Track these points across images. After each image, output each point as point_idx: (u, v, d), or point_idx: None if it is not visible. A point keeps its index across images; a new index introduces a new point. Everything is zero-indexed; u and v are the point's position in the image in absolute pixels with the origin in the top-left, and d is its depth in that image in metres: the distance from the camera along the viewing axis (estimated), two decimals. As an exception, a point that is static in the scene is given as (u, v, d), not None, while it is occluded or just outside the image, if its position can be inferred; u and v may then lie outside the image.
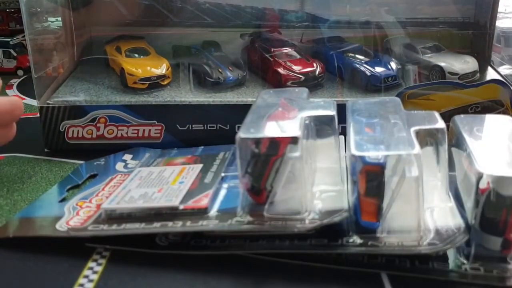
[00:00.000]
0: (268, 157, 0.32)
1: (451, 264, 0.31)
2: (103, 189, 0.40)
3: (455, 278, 0.30)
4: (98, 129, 0.50)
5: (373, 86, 0.53)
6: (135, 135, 0.50)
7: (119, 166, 0.45)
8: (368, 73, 0.54)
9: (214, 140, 0.48)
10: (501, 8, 0.65)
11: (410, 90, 0.49)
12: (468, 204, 0.31)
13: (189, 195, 0.36)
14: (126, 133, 0.50)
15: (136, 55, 0.56)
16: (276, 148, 0.32)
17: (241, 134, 0.32)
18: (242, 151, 0.32)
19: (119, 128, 0.50)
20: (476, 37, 0.61)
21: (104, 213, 0.35)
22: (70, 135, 0.50)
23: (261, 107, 0.37)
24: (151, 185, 0.38)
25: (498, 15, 0.59)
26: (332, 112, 0.37)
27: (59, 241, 0.34)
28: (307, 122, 0.35)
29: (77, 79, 0.56)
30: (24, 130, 0.50)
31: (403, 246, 0.30)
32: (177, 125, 0.50)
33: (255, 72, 0.57)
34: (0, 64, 0.76)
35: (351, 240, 0.32)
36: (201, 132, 0.50)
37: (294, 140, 0.32)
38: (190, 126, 0.50)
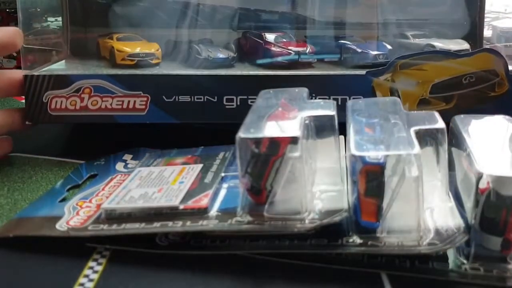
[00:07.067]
0: (268, 157, 0.32)
1: (451, 264, 0.31)
2: (103, 189, 0.40)
3: (455, 278, 0.30)
4: (82, 100, 0.48)
5: (364, 62, 0.53)
6: (120, 106, 0.49)
7: (119, 166, 0.45)
8: (359, 50, 0.54)
9: (201, 112, 0.47)
10: (501, 8, 0.65)
11: (401, 60, 0.48)
12: (468, 204, 0.31)
13: (189, 195, 0.36)
14: (111, 104, 0.48)
15: (128, 41, 0.57)
16: (276, 148, 0.32)
17: (241, 134, 0.32)
18: (242, 151, 0.32)
19: (104, 99, 0.49)
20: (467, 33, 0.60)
21: (104, 213, 0.35)
22: (53, 106, 0.49)
23: (261, 107, 0.37)
24: (151, 185, 0.38)
25: (498, 15, 0.59)
26: (332, 112, 0.37)
27: (59, 241, 0.34)
28: (307, 122, 0.35)
29: (67, 62, 0.56)
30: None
31: (403, 246, 0.30)
32: (163, 97, 0.48)
33: (246, 57, 0.56)
34: (0, 64, 0.76)
35: (351, 240, 0.31)
36: (188, 104, 0.48)
37: (294, 140, 0.32)
38: (177, 97, 0.48)
